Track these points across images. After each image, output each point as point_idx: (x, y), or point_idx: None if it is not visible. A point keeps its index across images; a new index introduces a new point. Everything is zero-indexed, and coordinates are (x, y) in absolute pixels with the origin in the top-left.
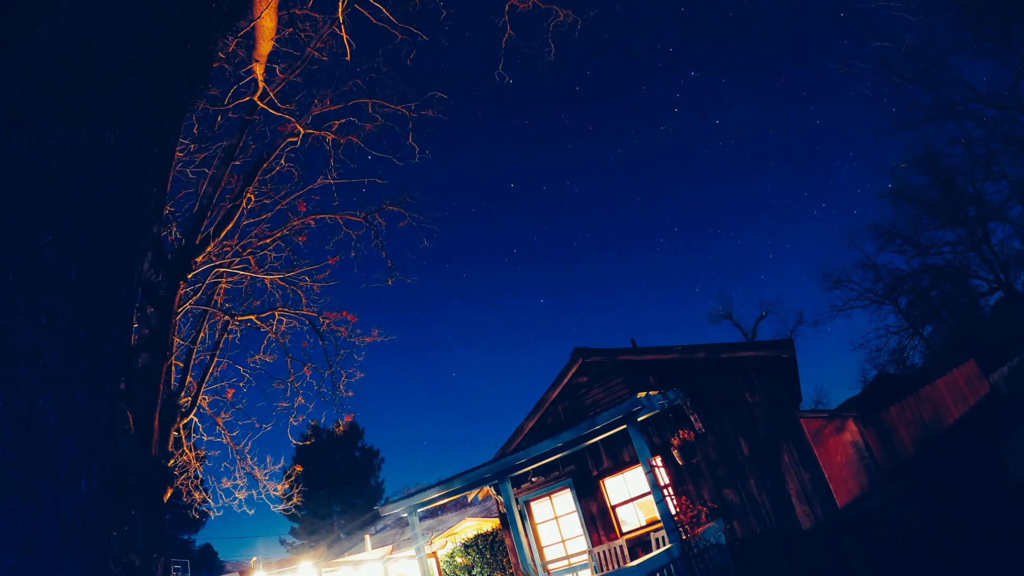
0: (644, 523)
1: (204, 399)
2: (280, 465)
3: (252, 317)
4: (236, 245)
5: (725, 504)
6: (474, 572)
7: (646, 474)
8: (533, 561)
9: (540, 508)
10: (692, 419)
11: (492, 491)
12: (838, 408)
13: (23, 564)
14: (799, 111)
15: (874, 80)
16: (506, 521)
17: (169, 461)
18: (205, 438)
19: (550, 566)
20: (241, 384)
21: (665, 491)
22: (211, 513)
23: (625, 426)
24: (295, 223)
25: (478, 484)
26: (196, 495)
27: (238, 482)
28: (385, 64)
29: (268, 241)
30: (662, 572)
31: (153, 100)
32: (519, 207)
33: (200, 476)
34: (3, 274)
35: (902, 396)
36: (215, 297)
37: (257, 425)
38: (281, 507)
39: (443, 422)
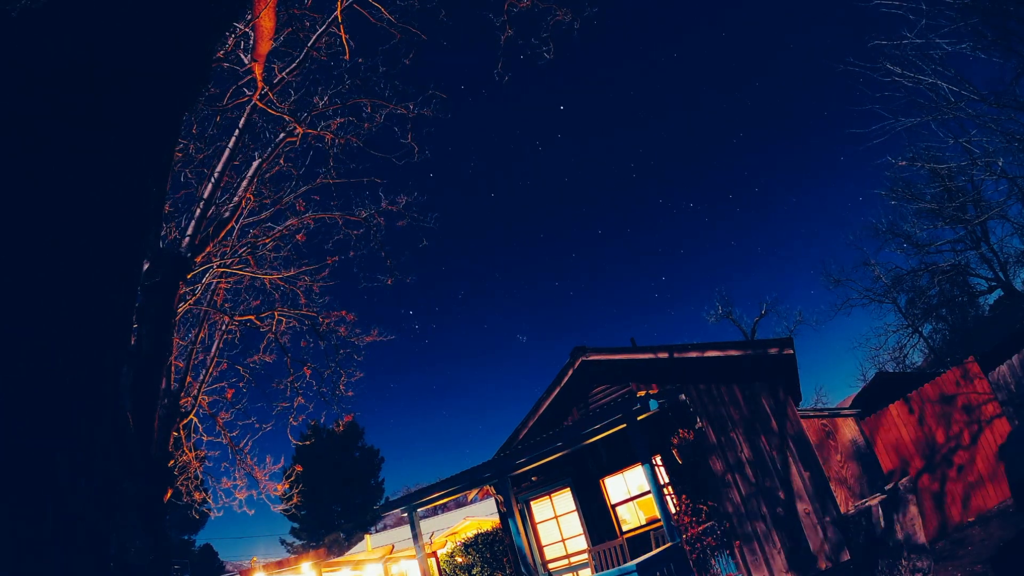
0: (644, 522)
1: (204, 399)
2: (280, 465)
3: (251, 317)
4: (235, 245)
5: (725, 503)
6: (474, 572)
7: (646, 473)
8: (533, 560)
9: (540, 507)
10: (691, 418)
11: (492, 490)
12: (837, 406)
13: (25, 565)
14: (798, 109)
15: (873, 78)
16: (506, 520)
17: (169, 462)
18: (205, 438)
19: (550, 565)
20: (241, 384)
21: (665, 490)
22: (211, 513)
23: (625, 425)
24: (294, 223)
25: (478, 484)
26: (196, 495)
27: (238, 482)
28: (384, 64)
29: (267, 241)
30: (661, 571)
31: (153, 100)
32: (518, 206)
33: (200, 476)
34: (1, 275)
35: (901, 394)
36: (214, 297)
37: (257, 425)
38: (281, 507)
39: (443, 422)
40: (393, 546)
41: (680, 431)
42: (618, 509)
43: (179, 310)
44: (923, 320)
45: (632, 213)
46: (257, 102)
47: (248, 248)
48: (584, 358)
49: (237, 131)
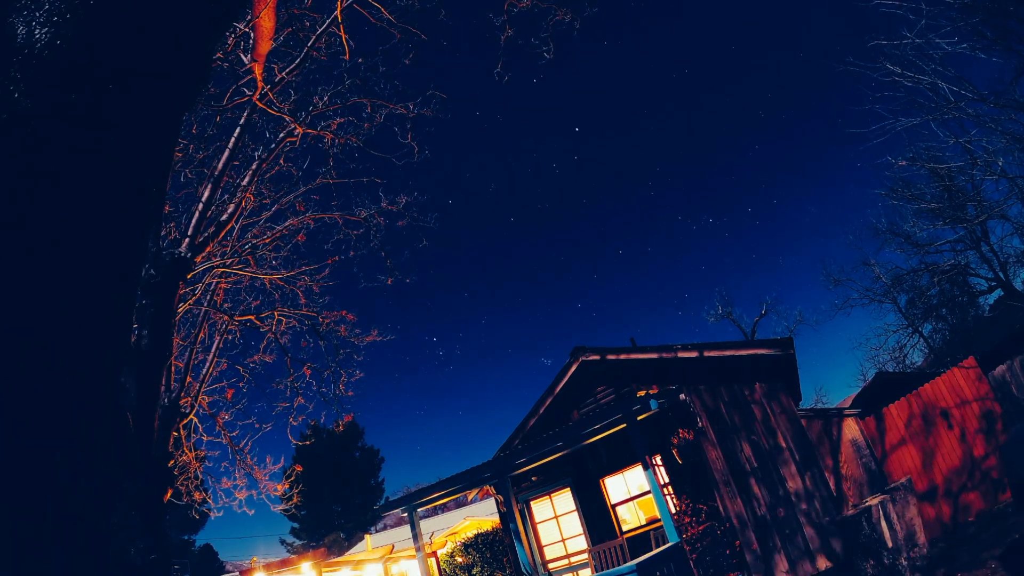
0: (644, 522)
1: (204, 399)
2: (280, 465)
3: (251, 317)
4: (235, 245)
5: (724, 503)
6: (474, 571)
7: (646, 473)
8: (533, 560)
9: (540, 507)
10: (692, 418)
11: (492, 490)
12: (837, 406)
13: (25, 565)
14: (798, 109)
15: (873, 78)
16: (506, 520)
17: (169, 462)
18: (205, 438)
19: (550, 565)
20: (241, 384)
21: (664, 490)
22: (211, 513)
23: (625, 425)
24: (294, 223)
25: (478, 484)
26: (196, 495)
27: (238, 482)
28: (384, 63)
29: (267, 241)
30: (661, 571)
31: (153, 100)
32: (518, 206)
33: (200, 476)
34: (1, 276)
35: (901, 394)
36: (214, 297)
37: (257, 425)
38: (281, 507)
39: (443, 422)
40: (393, 546)
41: (680, 431)
42: (618, 509)
43: (179, 310)
44: (923, 320)
45: (632, 213)
46: (257, 102)
47: (248, 248)
48: (584, 358)
49: (237, 131)
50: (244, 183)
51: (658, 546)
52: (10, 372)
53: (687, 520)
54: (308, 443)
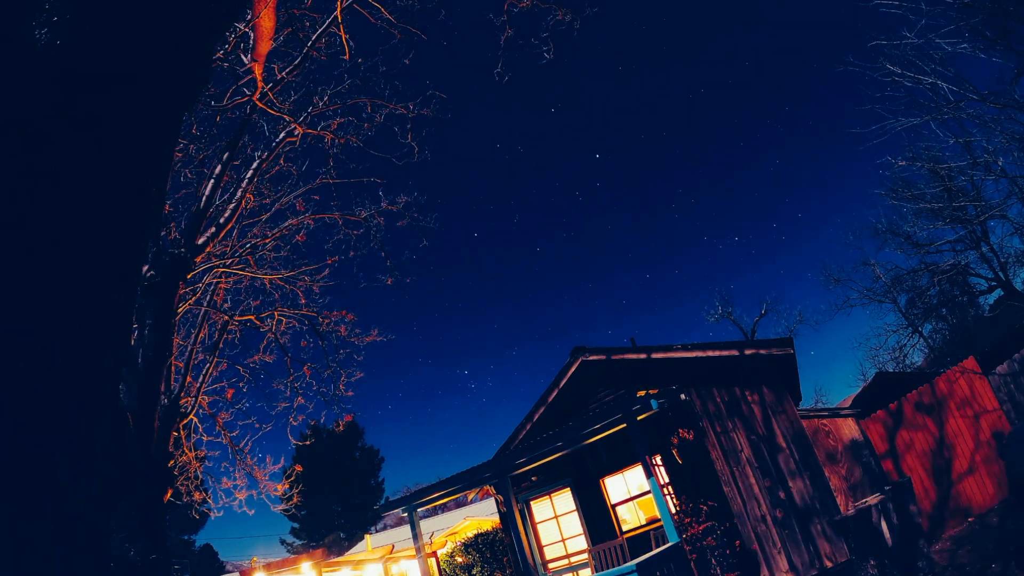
0: (644, 522)
1: (204, 399)
2: (280, 465)
3: (251, 317)
4: (235, 245)
5: (724, 503)
6: (474, 571)
7: (646, 473)
8: (533, 560)
9: (540, 507)
10: (692, 418)
11: (492, 490)
12: (837, 406)
13: (25, 565)
14: (798, 109)
15: (873, 78)
16: (506, 520)
17: (169, 462)
18: (205, 438)
19: (550, 565)
20: (241, 384)
21: (664, 490)
22: (211, 513)
23: (625, 425)
24: (294, 223)
25: (478, 484)
26: (196, 495)
27: (238, 482)
28: (384, 64)
29: (267, 241)
30: (661, 571)
31: (153, 101)
32: (518, 206)
33: (200, 476)
34: (2, 276)
35: (901, 394)
36: (214, 297)
37: (257, 425)
38: (281, 507)
39: (443, 422)
40: (393, 546)
41: (680, 431)
42: (618, 509)
43: (179, 310)
44: (923, 320)
45: (632, 212)
46: (257, 102)
47: (248, 248)
48: (584, 358)
49: (237, 131)
50: (244, 183)
51: (658, 546)
52: (10, 372)
53: (687, 520)
54: (308, 443)
